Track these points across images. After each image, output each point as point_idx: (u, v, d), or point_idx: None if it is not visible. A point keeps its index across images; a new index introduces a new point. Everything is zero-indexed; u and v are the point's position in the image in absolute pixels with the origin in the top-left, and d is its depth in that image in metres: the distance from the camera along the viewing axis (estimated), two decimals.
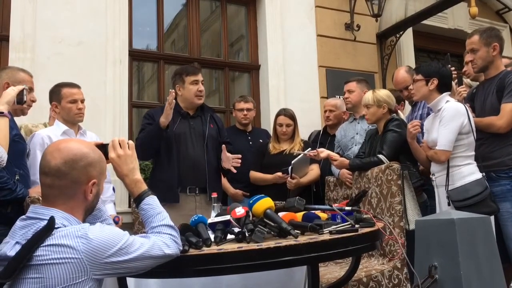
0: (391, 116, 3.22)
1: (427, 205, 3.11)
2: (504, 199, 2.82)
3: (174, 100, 3.03)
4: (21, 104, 2.61)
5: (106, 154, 1.65)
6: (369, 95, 3.25)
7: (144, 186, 1.65)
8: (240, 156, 3.21)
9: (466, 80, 3.51)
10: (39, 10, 4.01)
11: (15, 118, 2.77)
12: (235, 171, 3.21)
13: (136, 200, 1.64)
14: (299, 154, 3.45)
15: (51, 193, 1.49)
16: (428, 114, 3.40)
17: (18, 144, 2.64)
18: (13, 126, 2.63)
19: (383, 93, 3.26)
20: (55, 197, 1.48)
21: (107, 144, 1.68)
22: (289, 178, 3.55)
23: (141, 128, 3.34)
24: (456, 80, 3.43)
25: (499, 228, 2.80)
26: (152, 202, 1.62)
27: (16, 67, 2.96)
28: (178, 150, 3.21)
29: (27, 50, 3.90)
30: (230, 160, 3.17)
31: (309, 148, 3.49)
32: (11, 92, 2.52)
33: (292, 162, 3.49)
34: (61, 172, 1.47)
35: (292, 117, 3.81)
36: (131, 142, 1.70)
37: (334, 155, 3.25)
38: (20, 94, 2.56)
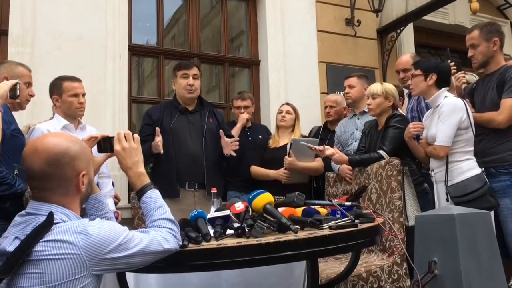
0: (393, 112, 3.21)
1: (427, 192, 3.10)
2: (504, 195, 2.82)
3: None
4: (14, 98, 2.57)
5: (111, 146, 1.66)
6: (377, 86, 3.24)
7: (147, 180, 1.65)
8: (238, 138, 3.24)
9: (470, 77, 3.50)
10: (39, 4, 4.00)
11: (14, 113, 2.76)
12: (234, 154, 3.21)
13: (138, 193, 1.64)
14: (304, 143, 3.42)
15: (43, 195, 1.46)
16: (417, 107, 3.42)
17: (16, 139, 2.63)
18: (11, 120, 2.62)
19: (391, 87, 3.26)
20: (49, 197, 1.46)
21: (113, 137, 1.69)
22: (286, 156, 3.54)
23: (140, 130, 3.35)
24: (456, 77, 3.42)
25: (499, 224, 2.80)
26: (154, 196, 1.62)
27: (15, 62, 2.95)
28: (176, 145, 3.21)
29: (27, 44, 3.89)
30: (229, 145, 3.17)
31: (317, 140, 3.47)
32: (4, 86, 2.49)
33: (292, 138, 3.49)
34: (47, 173, 1.43)
35: (293, 107, 3.83)
36: (136, 135, 1.70)
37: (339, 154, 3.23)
38: (13, 88, 2.53)
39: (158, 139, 3.04)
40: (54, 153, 1.45)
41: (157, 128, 3.07)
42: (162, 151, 3.06)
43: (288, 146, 3.54)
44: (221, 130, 3.24)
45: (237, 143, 3.21)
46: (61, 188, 1.46)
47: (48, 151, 1.44)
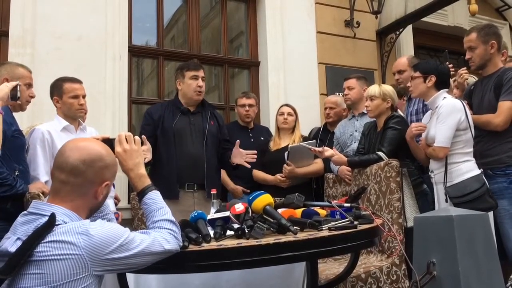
0: (392, 113, 3.22)
1: (426, 193, 3.11)
2: (501, 196, 2.83)
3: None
4: (15, 100, 2.58)
5: (112, 148, 1.67)
6: (375, 88, 3.25)
7: (148, 181, 1.66)
8: (255, 152, 3.17)
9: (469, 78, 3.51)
10: (39, 5, 4.00)
11: (14, 114, 2.77)
12: (249, 166, 3.19)
13: (139, 194, 1.65)
14: (303, 144, 3.42)
15: (63, 188, 1.50)
16: (423, 109, 3.42)
17: (17, 140, 2.64)
18: (12, 121, 2.63)
19: (389, 88, 3.27)
20: (67, 193, 1.49)
21: (114, 139, 1.70)
22: (284, 165, 3.55)
23: (140, 131, 3.33)
24: (454, 75, 3.43)
25: (496, 225, 2.80)
26: (155, 197, 1.63)
27: (15, 63, 2.96)
28: (178, 146, 3.20)
29: (27, 45, 3.90)
30: (244, 156, 3.14)
31: (314, 141, 3.47)
32: (5, 88, 2.50)
33: (289, 146, 3.48)
34: (78, 170, 1.49)
35: (293, 108, 3.85)
36: (137, 137, 1.72)
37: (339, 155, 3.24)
38: (13, 90, 2.54)
39: (146, 147, 2.70)
40: (93, 154, 1.53)
41: (144, 137, 2.68)
42: (150, 159, 2.88)
43: (285, 155, 3.55)
44: (238, 141, 3.18)
45: (255, 156, 3.15)
46: (82, 188, 1.51)
47: (88, 151, 1.53)
